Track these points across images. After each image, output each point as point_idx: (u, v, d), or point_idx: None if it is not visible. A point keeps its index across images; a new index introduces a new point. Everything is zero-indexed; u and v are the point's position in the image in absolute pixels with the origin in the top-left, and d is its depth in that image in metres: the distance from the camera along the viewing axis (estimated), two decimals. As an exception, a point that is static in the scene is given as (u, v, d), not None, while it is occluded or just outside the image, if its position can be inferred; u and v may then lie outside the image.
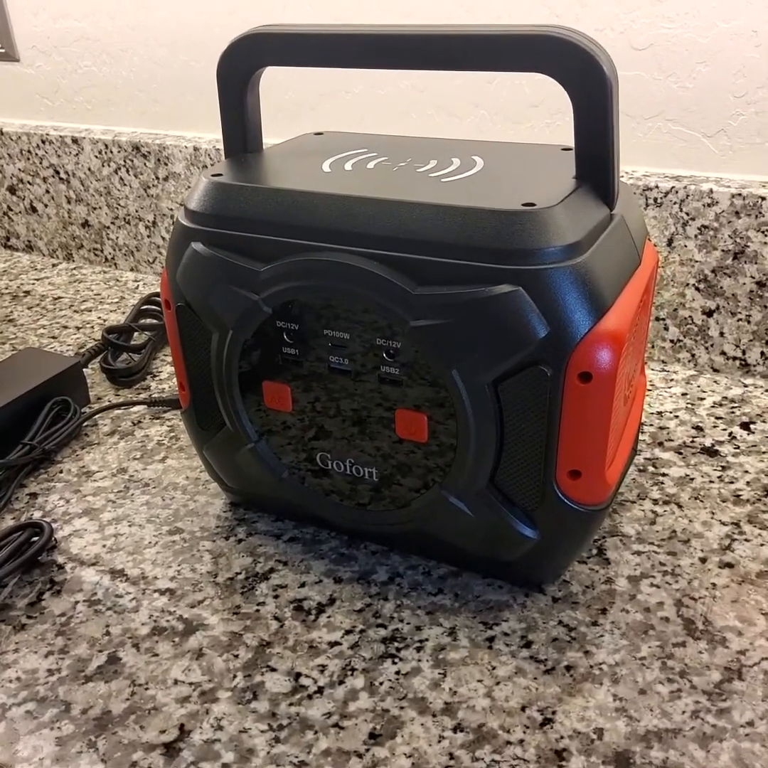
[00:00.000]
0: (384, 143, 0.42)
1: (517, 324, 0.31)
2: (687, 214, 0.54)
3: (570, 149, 0.39)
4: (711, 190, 0.53)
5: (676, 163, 0.56)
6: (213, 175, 0.38)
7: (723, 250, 0.54)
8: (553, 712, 0.33)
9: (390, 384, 0.36)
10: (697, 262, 0.55)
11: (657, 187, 0.54)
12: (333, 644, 0.37)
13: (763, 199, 0.51)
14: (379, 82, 0.63)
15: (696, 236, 0.54)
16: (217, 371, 0.39)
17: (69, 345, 0.66)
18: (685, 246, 0.55)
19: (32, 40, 0.76)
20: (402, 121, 0.64)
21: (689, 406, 0.54)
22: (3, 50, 0.78)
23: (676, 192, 0.54)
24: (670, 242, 0.55)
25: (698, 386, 0.56)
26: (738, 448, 0.50)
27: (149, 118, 0.74)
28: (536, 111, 0.58)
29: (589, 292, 0.32)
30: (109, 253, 0.81)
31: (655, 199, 0.54)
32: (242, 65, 0.38)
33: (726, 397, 0.55)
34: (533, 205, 0.32)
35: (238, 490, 0.45)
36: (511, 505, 0.36)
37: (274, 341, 0.37)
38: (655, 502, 0.45)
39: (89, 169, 0.77)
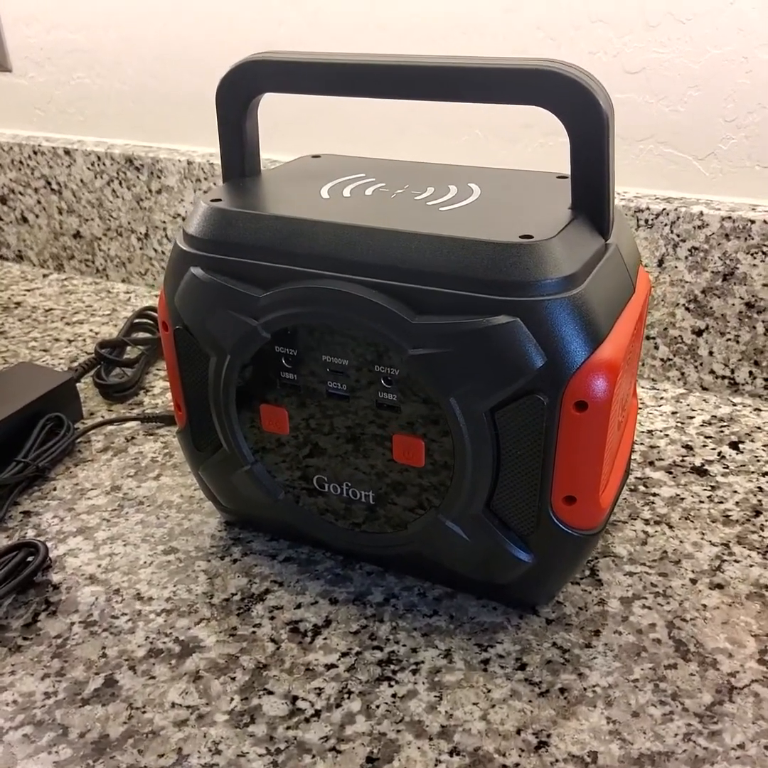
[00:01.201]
0: (381, 168, 0.43)
1: (515, 354, 0.32)
2: (678, 235, 0.55)
3: (565, 177, 0.40)
4: (701, 213, 0.53)
5: (667, 185, 0.56)
6: (212, 201, 0.38)
7: (713, 272, 0.55)
8: (548, 735, 0.34)
9: (387, 409, 0.36)
10: (687, 282, 0.56)
11: (648, 208, 0.55)
12: (329, 667, 0.37)
13: (753, 222, 0.52)
14: (372, 102, 0.63)
15: (686, 257, 0.55)
16: (215, 394, 0.39)
17: (61, 358, 0.66)
18: (676, 267, 0.56)
19: (25, 50, 0.76)
20: (396, 141, 0.64)
21: (679, 425, 0.55)
22: (-5, 60, 0.77)
23: (667, 214, 0.54)
24: (660, 263, 0.56)
25: (688, 405, 0.57)
26: (727, 467, 0.50)
27: (142, 130, 0.74)
28: (530, 131, 0.59)
29: (586, 322, 0.32)
30: (101, 264, 0.81)
31: (647, 221, 0.55)
32: (241, 91, 0.39)
33: (715, 416, 0.56)
34: (531, 237, 0.32)
35: (234, 510, 0.45)
36: (507, 530, 0.36)
37: (273, 366, 0.37)
38: (647, 522, 0.46)
39: (81, 180, 0.77)
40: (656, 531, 0.45)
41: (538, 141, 0.59)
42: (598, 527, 0.37)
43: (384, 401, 0.36)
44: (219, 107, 0.40)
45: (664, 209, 0.55)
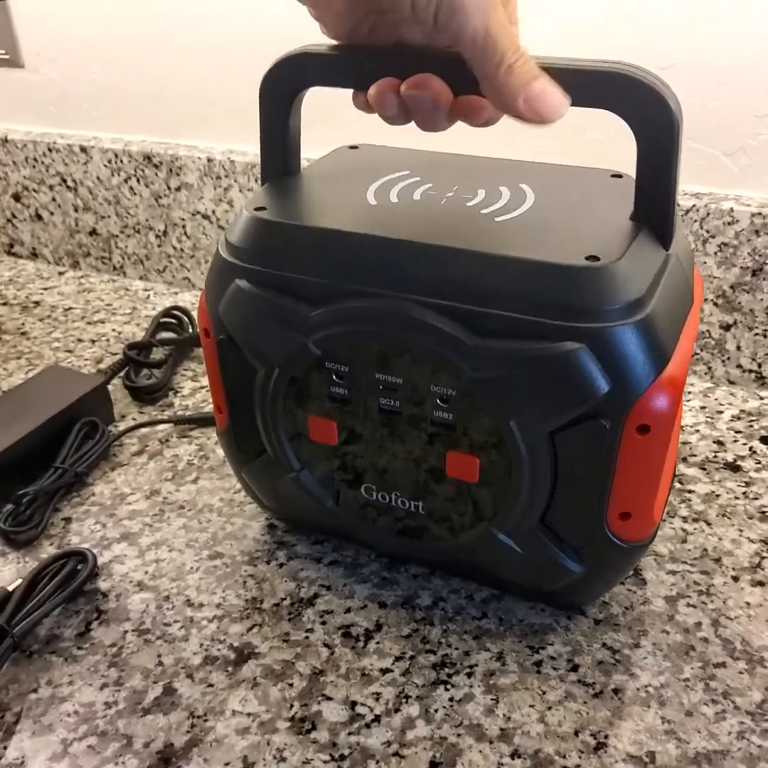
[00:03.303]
0: (424, 163, 0.42)
1: (580, 380, 0.31)
2: (707, 231, 0.55)
3: (620, 176, 0.39)
4: (732, 209, 0.54)
5: (695, 181, 0.56)
6: (256, 209, 0.37)
7: (742, 267, 0.55)
8: (606, 736, 0.35)
9: (441, 427, 0.36)
10: (716, 278, 0.56)
11: (678, 205, 0.55)
12: (385, 671, 0.38)
13: (783, 218, 0.52)
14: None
15: (716, 253, 0.55)
16: (261, 404, 0.39)
17: (86, 359, 0.66)
18: (705, 263, 0.56)
19: (37, 45, 0.75)
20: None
21: (709, 419, 0.55)
22: (7, 56, 0.76)
23: (697, 210, 0.54)
24: (689, 258, 0.56)
25: (716, 399, 0.58)
26: (759, 462, 0.51)
27: (160, 126, 0.73)
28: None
29: (652, 345, 0.32)
30: (118, 262, 0.81)
31: (676, 217, 0.55)
32: (287, 84, 0.37)
33: (743, 411, 0.56)
34: (597, 258, 0.31)
35: (277, 510, 0.45)
36: (560, 542, 0.36)
37: (323, 380, 0.37)
38: (685, 519, 0.46)
39: (98, 177, 0.76)
40: (695, 528, 0.46)
41: (572, 122, 0.59)
42: (649, 538, 0.37)
43: (438, 419, 0.36)
44: (263, 102, 0.38)
45: (694, 205, 0.55)
